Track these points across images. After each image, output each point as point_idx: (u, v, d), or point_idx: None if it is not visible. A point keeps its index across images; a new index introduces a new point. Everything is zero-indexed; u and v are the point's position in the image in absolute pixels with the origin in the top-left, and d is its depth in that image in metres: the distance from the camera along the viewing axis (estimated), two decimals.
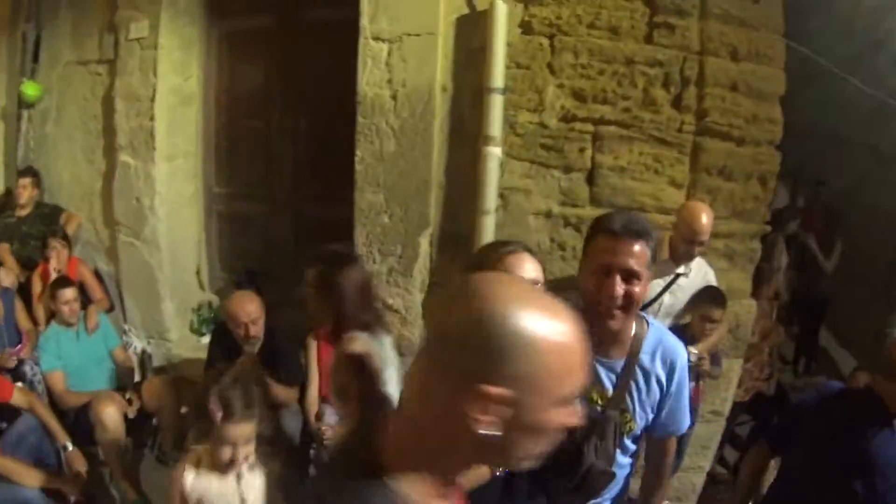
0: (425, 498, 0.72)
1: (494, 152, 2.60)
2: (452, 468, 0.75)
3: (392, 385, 2.00)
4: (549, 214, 2.63)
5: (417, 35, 2.69)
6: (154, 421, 2.85)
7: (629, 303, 1.36)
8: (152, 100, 3.17)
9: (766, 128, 2.69)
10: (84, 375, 2.83)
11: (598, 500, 1.53)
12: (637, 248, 1.35)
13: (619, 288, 1.33)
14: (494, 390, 0.67)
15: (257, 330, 2.56)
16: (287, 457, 2.69)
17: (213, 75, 3.43)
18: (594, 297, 1.36)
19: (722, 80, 2.65)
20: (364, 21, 2.71)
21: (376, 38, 2.72)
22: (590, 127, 2.62)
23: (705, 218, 2.33)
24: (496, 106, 2.59)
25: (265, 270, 3.28)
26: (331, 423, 2.53)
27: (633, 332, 1.44)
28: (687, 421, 1.58)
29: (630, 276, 1.34)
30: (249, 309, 2.54)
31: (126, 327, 3.35)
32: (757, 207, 2.68)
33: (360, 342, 1.87)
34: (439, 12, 2.66)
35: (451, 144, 2.70)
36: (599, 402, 1.44)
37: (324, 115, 3.12)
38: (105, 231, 3.46)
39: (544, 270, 1.57)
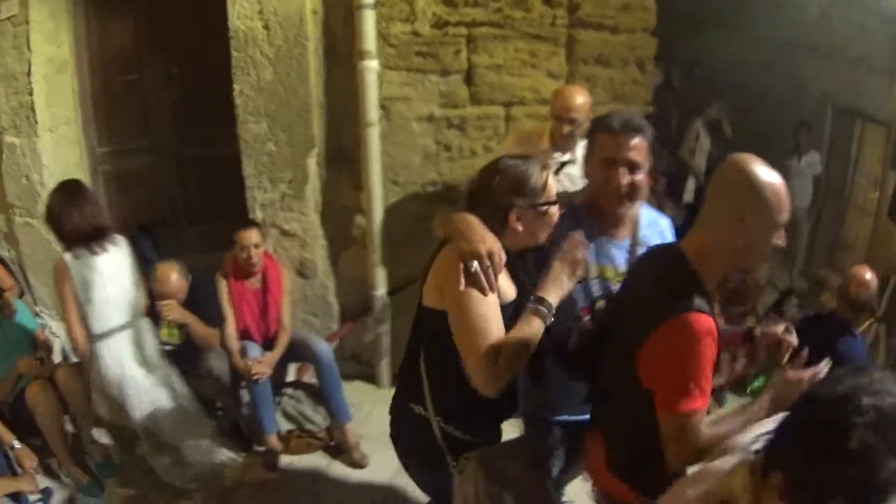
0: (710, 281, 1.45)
1: (371, 65, 2.98)
2: (725, 264, 1.48)
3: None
4: (431, 118, 3.04)
5: None
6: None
7: (635, 190, 1.71)
8: (28, 74, 3.42)
9: (639, 16, 3.15)
10: (11, 363, 2.97)
11: None
12: (636, 141, 1.69)
13: (625, 178, 1.70)
14: (748, 219, 1.39)
15: (180, 300, 2.89)
16: (220, 396, 3.07)
17: (83, 37, 3.72)
18: (603, 188, 1.74)
19: None
20: None
21: None
22: (463, 30, 3.02)
23: (579, 97, 2.70)
24: (368, 20, 2.96)
25: (158, 221, 3.60)
26: (256, 357, 2.91)
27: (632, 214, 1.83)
28: None
29: (633, 167, 1.70)
30: (174, 281, 2.86)
31: (38, 309, 3.62)
32: (637, 91, 3.14)
33: None
34: None
35: (328, 64, 3.07)
36: (616, 279, 1.80)
37: (197, 57, 3.45)
38: (0, 217, 3.75)
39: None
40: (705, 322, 1.35)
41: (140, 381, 2.83)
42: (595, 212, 1.79)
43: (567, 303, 1.68)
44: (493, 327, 1.48)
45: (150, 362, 2.89)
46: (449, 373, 1.56)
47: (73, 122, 3.73)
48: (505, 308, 1.56)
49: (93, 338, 2.78)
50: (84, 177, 3.74)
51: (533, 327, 1.49)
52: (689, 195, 5.41)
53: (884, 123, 4.60)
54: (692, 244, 1.47)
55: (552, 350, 1.72)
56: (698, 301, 1.37)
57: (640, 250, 1.81)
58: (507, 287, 1.61)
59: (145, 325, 2.90)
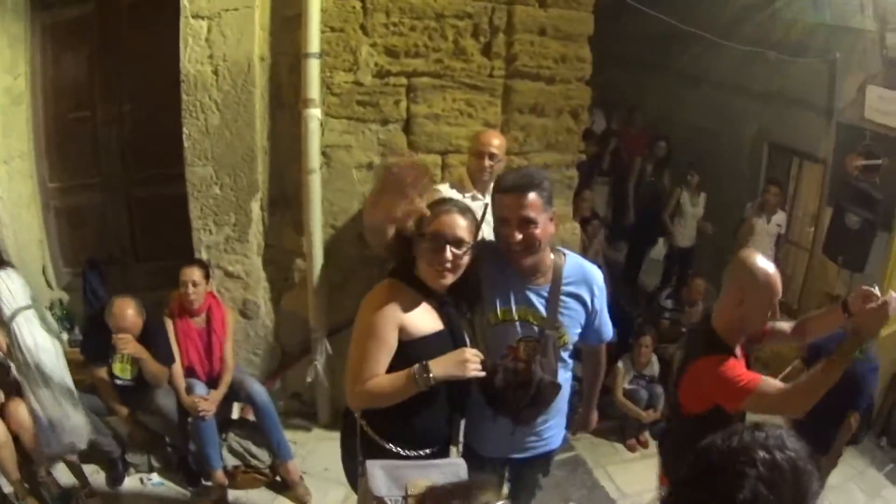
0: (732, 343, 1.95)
1: (314, 113, 3.11)
2: (734, 331, 1.97)
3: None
4: (370, 166, 3.19)
5: (235, 9, 3.15)
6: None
7: (530, 243, 1.85)
8: None
9: (575, 66, 3.34)
10: None
11: (547, 414, 2.07)
12: (527, 198, 1.82)
13: (517, 234, 1.85)
14: (746, 298, 1.90)
15: (135, 336, 2.92)
16: (169, 432, 3.14)
17: (38, 70, 3.79)
18: (503, 244, 1.90)
19: (530, 27, 3.27)
20: (184, 0, 3.19)
21: (196, 16, 3.15)
22: (403, 80, 3.18)
23: (496, 138, 2.97)
24: (313, 70, 3.10)
25: (106, 258, 3.68)
26: (202, 395, 3.00)
27: (552, 263, 1.98)
28: (609, 331, 2.18)
29: (525, 223, 1.83)
30: (130, 317, 2.88)
31: None
32: (570, 139, 3.33)
33: None
34: None
35: (273, 111, 3.20)
36: (536, 322, 1.96)
37: (148, 97, 3.55)
38: None
39: None
40: (717, 359, 1.91)
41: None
42: (511, 262, 1.95)
43: (494, 343, 1.93)
44: (374, 365, 1.75)
45: None
46: None
47: (26, 156, 3.81)
48: (427, 338, 1.79)
49: None
50: (36, 211, 3.82)
51: (401, 382, 1.75)
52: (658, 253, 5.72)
53: (820, 161, 4.83)
54: (716, 318, 2.01)
55: (479, 387, 1.92)
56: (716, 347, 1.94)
57: (565, 298, 1.98)
58: (430, 320, 1.82)
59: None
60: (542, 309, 1.96)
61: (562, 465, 3.63)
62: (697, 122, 5.90)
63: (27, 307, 2.86)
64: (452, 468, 1.88)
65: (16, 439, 2.95)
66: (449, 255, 1.74)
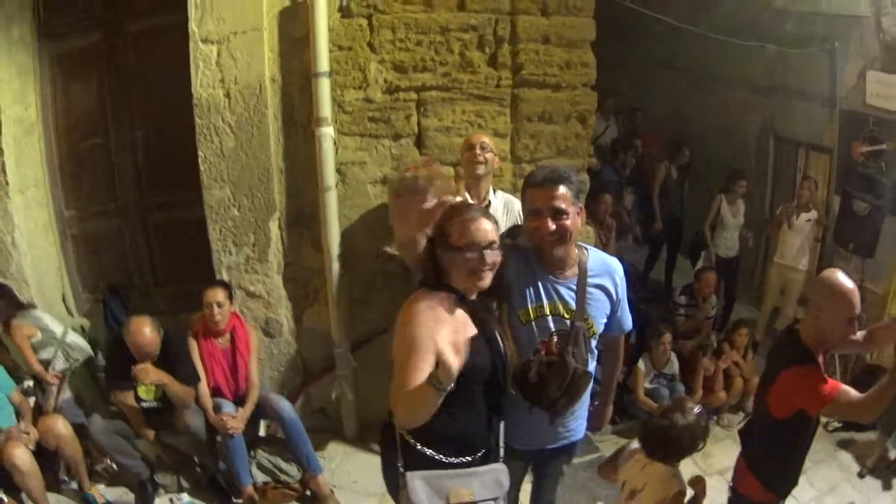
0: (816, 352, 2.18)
1: (327, 132, 3.19)
2: (816, 341, 2.19)
3: None
4: (385, 181, 3.27)
5: (244, 32, 3.24)
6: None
7: (563, 234, 1.95)
8: None
9: (580, 72, 3.41)
10: None
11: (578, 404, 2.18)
12: (559, 190, 1.93)
13: (551, 224, 1.95)
14: (822, 311, 2.16)
15: (152, 359, 3.01)
16: (198, 451, 3.22)
17: (49, 100, 3.88)
18: (535, 236, 1.99)
19: (534, 35, 3.34)
20: (192, 25, 3.22)
21: (205, 41, 3.24)
22: (413, 95, 3.26)
23: (481, 138, 3.02)
24: (324, 89, 3.18)
25: (126, 283, 3.76)
26: (230, 413, 3.08)
27: (577, 256, 2.08)
28: (629, 322, 2.28)
29: (557, 214, 1.94)
30: (146, 335, 2.95)
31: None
32: (579, 144, 3.41)
33: None
34: (263, 8, 3.21)
35: (287, 131, 3.28)
36: (566, 315, 2.05)
37: (160, 122, 3.63)
38: None
39: None
40: (804, 369, 2.15)
41: None
42: (540, 256, 2.05)
43: (528, 339, 2.01)
44: (415, 377, 1.69)
45: None
46: None
47: (41, 184, 3.89)
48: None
49: None
50: (53, 239, 3.90)
51: (421, 389, 1.66)
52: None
53: (825, 150, 4.90)
54: (801, 329, 2.23)
55: (514, 381, 1.99)
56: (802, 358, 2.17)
57: (592, 290, 2.07)
58: (468, 324, 1.83)
59: None
60: (571, 302, 2.05)
61: (588, 466, 3.70)
62: (701, 120, 5.96)
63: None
64: (493, 474, 1.93)
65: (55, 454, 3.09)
66: (488, 259, 1.82)
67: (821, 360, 2.20)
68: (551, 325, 2.05)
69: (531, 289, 2.03)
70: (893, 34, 4.34)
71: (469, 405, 1.85)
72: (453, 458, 1.89)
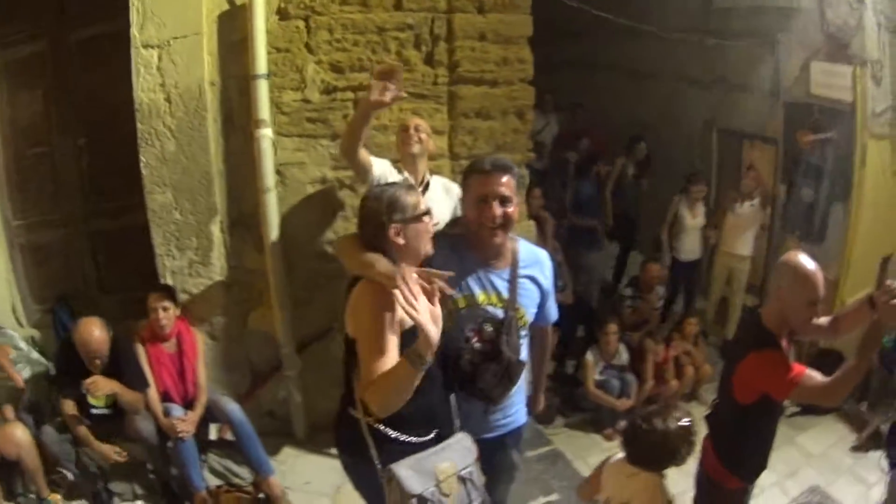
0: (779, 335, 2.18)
1: (266, 133, 3.21)
2: (778, 324, 2.20)
3: None
4: (324, 181, 3.30)
5: (184, 37, 3.24)
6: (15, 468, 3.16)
7: (507, 222, 2.01)
8: None
9: (517, 68, 3.46)
10: None
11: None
12: (505, 178, 1.99)
13: (498, 210, 2.00)
14: (784, 292, 2.16)
15: (102, 361, 3.01)
16: (150, 457, 3.22)
17: None
18: (478, 222, 2.03)
19: (470, 33, 3.38)
20: (134, 30, 3.22)
21: (146, 46, 3.23)
22: (350, 95, 3.29)
23: (415, 120, 3.08)
24: (262, 90, 3.20)
25: (74, 292, 3.75)
26: (179, 416, 3.08)
27: (509, 247, 2.12)
28: (555, 313, 2.33)
29: (504, 201, 2.00)
30: (95, 337, 2.97)
31: None
32: (518, 139, 3.45)
33: None
34: (202, 12, 3.23)
35: (226, 133, 3.29)
36: (500, 304, 2.09)
37: (103, 130, 3.64)
38: None
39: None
40: (768, 354, 2.16)
41: None
42: (475, 244, 2.09)
43: (458, 327, 2.03)
44: (389, 359, 1.73)
45: None
46: None
47: None
48: (411, 331, 1.79)
49: None
50: (2, 249, 3.89)
51: (401, 368, 1.69)
52: None
53: (770, 140, 5.01)
54: (763, 312, 2.24)
55: (451, 372, 2.02)
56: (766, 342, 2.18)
57: (521, 279, 2.11)
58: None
59: None
60: (504, 291, 2.09)
61: (541, 458, 3.75)
62: (642, 116, 6.05)
63: None
64: (462, 443, 2.00)
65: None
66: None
67: (784, 344, 2.19)
68: (482, 313, 2.08)
69: (462, 278, 2.05)
70: (837, 25, 4.45)
71: (431, 380, 1.86)
72: (425, 437, 1.94)
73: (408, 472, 1.84)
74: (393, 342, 1.77)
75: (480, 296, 2.08)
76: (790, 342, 2.28)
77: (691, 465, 2.44)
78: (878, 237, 4.48)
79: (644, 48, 5.41)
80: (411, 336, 1.78)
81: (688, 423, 2.14)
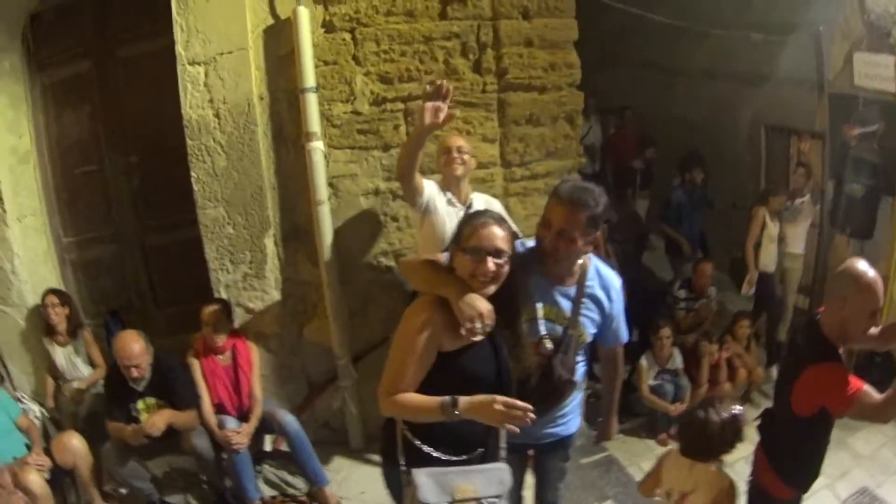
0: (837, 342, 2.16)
1: (317, 146, 3.23)
2: (838, 333, 2.16)
3: None
4: (376, 192, 3.31)
5: (230, 52, 3.27)
6: (70, 478, 3.25)
7: (559, 255, 2.02)
8: None
9: (564, 73, 3.45)
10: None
11: (564, 404, 2.24)
12: (573, 216, 1.95)
13: (553, 243, 1.99)
14: (848, 300, 2.10)
15: (141, 371, 3.06)
16: (204, 470, 3.27)
17: (42, 128, 3.95)
18: (538, 241, 2.05)
19: (516, 39, 3.37)
20: (179, 48, 3.25)
21: (192, 63, 3.27)
22: (400, 105, 3.30)
23: (457, 138, 3.07)
24: (312, 104, 3.22)
25: (126, 307, 3.81)
26: (234, 429, 3.12)
27: (578, 266, 2.12)
28: (626, 334, 2.32)
29: (562, 235, 1.98)
30: (133, 349, 3.02)
31: (18, 395, 3.78)
32: (569, 145, 3.44)
33: None
34: (247, 27, 3.25)
35: (277, 147, 3.32)
36: (561, 321, 2.10)
37: (153, 146, 3.68)
38: None
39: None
40: (829, 367, 2.13)
41: None
42: (544, 259, 2.08)
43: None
44: (407, 377, 1.82)
45: None
46: None
47: (38, 212, 3.95)
48: (468, 350, 1.86)
49: None
50: (52, 265, 3.96)
51: (430, 407, 1.79)
52: None
53: (818, 135, 4.92)
54: (823, 321, 2.19)
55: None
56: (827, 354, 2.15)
57: (587, 299, 2.11)
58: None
59: None
60: (566, 309, 2.10)
61: (595, 465, 3.73)
62: (691, 115, 5.96)
63: None
64: (495, 473, 1.98)
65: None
66: (491, 266, 1.84)
67: (841, 353, 2.16)
68: (542, 328, 2.08)
69: (527, 291, 2.05)
70: (878, 13, 4.36)
71: None
72: (452, 456, 1.94)
73: (427, 481, 1.87)
74: (412, 369, 1.82)
75: (542, 310, 2.08)
76: (846, 350, 2.24)
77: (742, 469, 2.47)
78: None
79: (687, 46, 5.35)
80: (462, 356, 1.86)
81: (738, 412, 2.29)
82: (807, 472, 2.35)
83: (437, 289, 1.86)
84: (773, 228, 4.75)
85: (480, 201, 3.10)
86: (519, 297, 1.99)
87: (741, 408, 2.32)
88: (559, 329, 2.09)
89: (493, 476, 1.97)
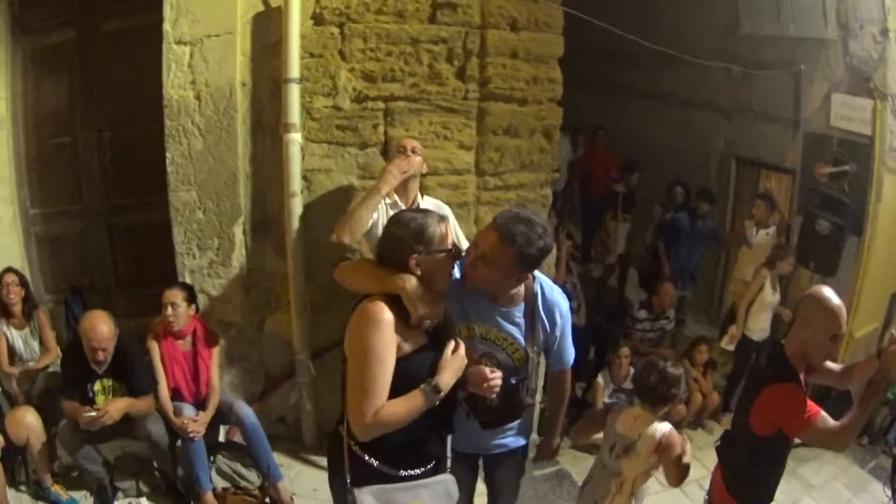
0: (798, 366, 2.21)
1: (295, 138, 3.20)
2: (799, 356, 2.21)
3: None
4: (350, 189, 3.29)
5: (217, 35, 3.24)
6: (21, 456, 3.17)
7: (484, 280, 1.95)
8: None
9: (546, 87, 3.48)
10: None
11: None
12: (503, 248, 1.87)
13: (478, 270, 1.93)
14: (810, 325, 2.15)
15: (106, 354, 2.98)
16: (158, 457, 3.21)
17: (20, 95, 3.86)
18: (465, 267, 1.98)
19: (503, 50, 3.39)
20: (167, 26, 3.21)
21: (178, 42, 3.23)
22: (381, 105, 3.29)
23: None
24: (294, 94, 3.19)
25: (87, 286, 3.74)
26: (190, 416, 3.07)
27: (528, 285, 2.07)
28: (571, 357, 2.27)
29: (486, 260, 1.90)
30: (102, 331, 2.93)
31: None
32: (544, 158, 3.47)
33: None
34: (237, 12, 3.23)
35: (254, 135, 3.29)
36: (497, 341, 2.06)
37: (130, 123, 3.64)
38: None
39: None
40: (788, 387, 2.17)
41: None
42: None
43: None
44: (381, 389, 1.72)
45: None
46: None
47: (7, 181, 3.87)
48: (416, 353, 1.82)
49: None
50: (17, 236, 3.87)
51: (417, 403, 1.76)
52: None
53: (787, 171, 5.03)
54: (786, 343, 2.24)
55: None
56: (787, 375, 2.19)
57: (540, 314, 2.09)
58: (417, 335, 1.85)
59: None
60: (511, 331, 2.07)
61: (546, 479, 3.74)
62: (663, 140, 6.04)
63: None
64: (442, 485, 1.94)
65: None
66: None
67: (802, 377, 2.21)
68: (478, 347, 2.06)
69: (465, 309, 2.04)
70: (860, 57, 4.48)
71: (424, 417, 1.81)
72: (403, 472, 1.88)
73: (370, 500, 1.81)
74: (384, 378, 1.74)
75: (478, 329, 2.06)
76: (807, 380, 2.29)
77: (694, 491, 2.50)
78: (891, 272, 4.50)
79: (667, 73, 5.42)
80: (411, 360, 1.80)
81: (680, 372, 2.52)
82: (761, 494, 2.38)
83: (389, 286, 1.81)
84: (770, 295, 4.41)
85: (430, 205, 3.08)
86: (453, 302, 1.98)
87: (681, 370, 2.55)
88: (499, 350, 2.06)
89: (440, 489, 1.93)
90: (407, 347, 1.81)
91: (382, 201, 2.96)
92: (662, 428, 2.40)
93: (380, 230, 2.90)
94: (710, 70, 4.91)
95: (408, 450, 1.88)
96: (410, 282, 1.80)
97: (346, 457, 1.86)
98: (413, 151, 3.02)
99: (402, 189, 3.02)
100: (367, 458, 1.84)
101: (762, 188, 5.24)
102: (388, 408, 1.72)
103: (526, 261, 1.91)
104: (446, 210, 3.07)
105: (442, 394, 1.78)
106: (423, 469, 1.92)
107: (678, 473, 2.38)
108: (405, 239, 1.82)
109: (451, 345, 1.85)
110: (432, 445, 1.96)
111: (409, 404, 1.75)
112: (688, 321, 5.28)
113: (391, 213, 2.97)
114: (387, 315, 1.75)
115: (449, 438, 2.08)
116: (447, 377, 1.80)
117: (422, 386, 1.77)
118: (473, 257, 1.94)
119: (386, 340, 1.74)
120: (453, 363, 1.83)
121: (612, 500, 2.46)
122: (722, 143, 5.67)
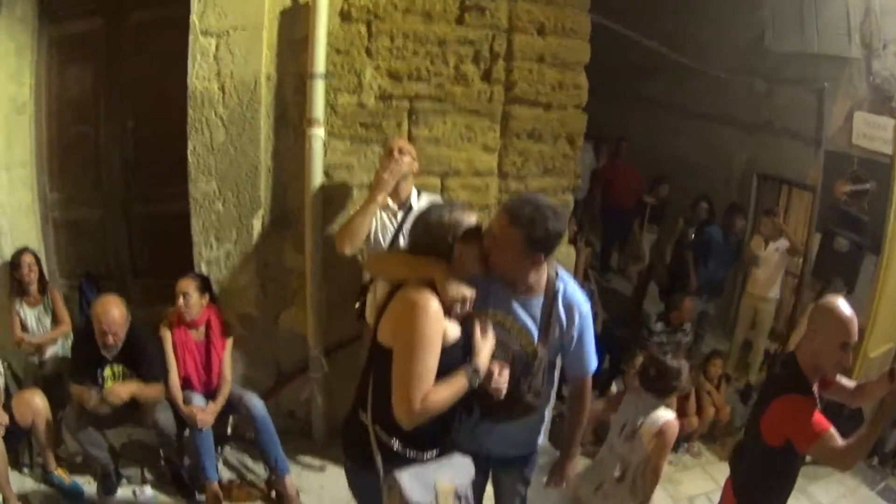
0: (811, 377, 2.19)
1: (318, 133, 3.19)
2: (810, 366, 2.19)
3: None
4: (370, 186, 3.25)
5: (244, 29, 3.23)
6: (27, 438, 3.17)
7: (498, 261, 1.94)
8: None
9: (571, 93, 3.46)
10: None
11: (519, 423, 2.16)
12: (510, 227, 1.89)
13: (492, 251, 1.93)
14: (819, 334, 2.15)
15: (117, 339, 2.96)
16: (165, 445, 3.21)
17: (44, 81, 3.87)
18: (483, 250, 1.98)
19: (529, 54, 3.38)
20: (194, 17, 3.21)
21: (205, 33, 3.22)
22: (405, 103, 3.28)
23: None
24: (319, 90, 3.18)
25: (104, 273, 3.72)
26: (199, 405, 3.05)
27: (546, 281, 2.05)
28: (593, 363, 2.19)
29: (495, 240, 1.92)
30: (114, 315, 2.91)
31: None
32: (567, 164, 3.45)
33: None
34: (265, 6, 3.22)
35: (277, 129, 3.28)
36: (511, 331, 2.04)
37: (152, 114, 3.63)
38: None
39: None
40: (798, 398, 2.16)
41: None
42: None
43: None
44: (429, 376, 1.78)
45: None
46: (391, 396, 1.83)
47: (28, 165, 3.87)
48: (454, 345, 1.87)
49: None
50: (35, 220, 3.87)
51: (461, 386, 1.84)
52: None
53: (808, 188, 4.98)
54: (798, 353, 2.23)
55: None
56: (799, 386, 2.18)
57: (559, 309, 2.06)
58: (454, 328, 1.90)
59: None
60: (525, 322, 2.04)
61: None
62: (685, 154, 6.03)
63: None
64: (460, 461, 2.03)
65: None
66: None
67: (816, 390, 2.18)
68: (511, 344, 2.04)
69: (481, 293, 1.99)
70: (883, 76, 4.45)
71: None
72: (420, 454, 1.94)
73: (411, 482, 1.87)
74: (432, 365, 1.79)
75: (492, 315, 2.04)
76: (821, 395, 2.25)
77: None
78: None
79: (689, 86, 5.41)
80: (449, 352, 1.84)
81: (680, 364, 2.71)
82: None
83: (424, 271, 1.87)
84: None
85: (425, 200, 3.04)
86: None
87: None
88: (514, 342, 2.03)
89: (460, 465, 2.00)
90: (450, 338, 1.86)
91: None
92: (666, 415, 2.56)
93: (380, 237, 3.00)
94: (732, 85, 4.89)
95: (430, 433, 1.92)
96: (444, 266, 1.87)
97: (374, 444, 1.90)
98: (401, 152, 2.99)
99: (392, 190, 3.00)
100: (395, 444, 1.89)
101: (782, 205, 5.21)
102: (434, 394, 1.78)
103: (533, 242, 1.90)
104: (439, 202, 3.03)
105: (482, 375, 1.86)
106: (436, 451, 1.99)
107: (659, 466, 2.57)
108: (447, 231, 1.90)
109: (478, 326, 1.93)
110: (447, 429, 2.01)
111: (453, 388, 1.82)
112: (706, 336, 5.22)
113: (383, 215, 3.04)
114: (436, 303, 1.81)
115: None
116: (484, 358, 1.89)
117: (463, 369, 1.84)
118: (489, 242, 1.96)
119: (437, 328, 1.80)
120: (486, 344, 1.92)
121: (615, 485, 2.58)
122: (743, 159, 5.65)
